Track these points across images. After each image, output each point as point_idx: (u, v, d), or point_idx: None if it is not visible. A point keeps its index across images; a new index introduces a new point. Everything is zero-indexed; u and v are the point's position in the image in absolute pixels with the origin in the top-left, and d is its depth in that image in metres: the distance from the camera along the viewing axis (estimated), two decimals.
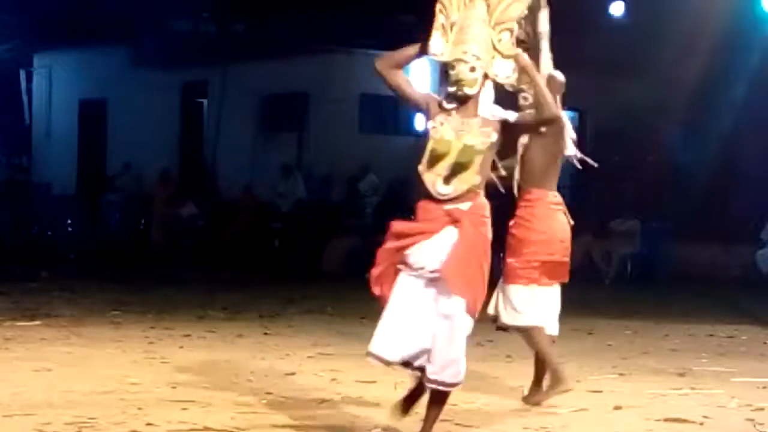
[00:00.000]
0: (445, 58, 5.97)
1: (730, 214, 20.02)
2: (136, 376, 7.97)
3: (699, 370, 9.03)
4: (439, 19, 6.05)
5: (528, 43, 6.89)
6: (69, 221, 22.63)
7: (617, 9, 23.87)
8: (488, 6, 6.03)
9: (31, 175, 26.46)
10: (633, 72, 22.45)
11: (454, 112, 5.93)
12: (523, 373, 8.47)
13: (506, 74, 6.04)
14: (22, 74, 27.64)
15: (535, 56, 6.83)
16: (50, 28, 24.95)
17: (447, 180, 5.90)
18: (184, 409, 6.90)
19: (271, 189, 21.14)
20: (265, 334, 10.71)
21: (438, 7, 6.09)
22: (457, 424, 6.68)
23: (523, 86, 6.82)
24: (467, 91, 5.91)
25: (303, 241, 19.51)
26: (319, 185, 21.83)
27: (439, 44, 6.01)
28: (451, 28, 6.02)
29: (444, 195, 5.90)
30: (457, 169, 5.87)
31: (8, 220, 22.36)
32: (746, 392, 7.93)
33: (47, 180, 25.47)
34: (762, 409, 7.33)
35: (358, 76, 22.21)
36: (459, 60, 5.92)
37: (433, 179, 5.92)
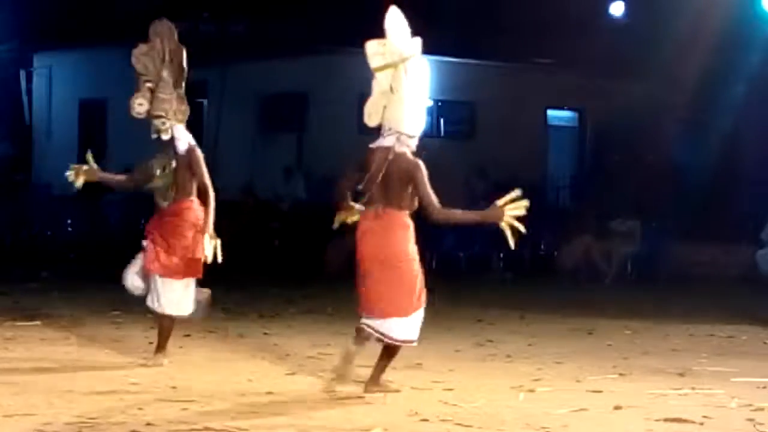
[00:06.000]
0: None
1: (730, 214, 20.00)
2: (136, 376, 7.97)
3: (699, 370, 9.02)
4: None
5: (148, 76, 8.82)
6: (69, 221, 22.61)
7: (617, 9, 23.92)
8: None
9: (31, 175, 26.45)
10: (633, 72, 22.45)
11: None
12: (523, 373, 8.49)
13: None
14: (22, 74, 27.65)
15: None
16: (50, 28, 24.96)
17: None
18: (184, 409, 6.90)
19: (271, 190, 21.10)
20: (265, 334, 10.70)
21: None
22: (457, 424, 6.68)
23: None
24: None
25: (303, 241, 19.48)
26: (319, 185, 21.79)
27: None
28: None
29: None
30: None
31: (8, 220, 22.35)
32: (746, 392, 7.92)
33: (47, 180, 25.45)
34: (762, 409, 7.33)
35: (358, 77, 22.01)
36: None
37: None
